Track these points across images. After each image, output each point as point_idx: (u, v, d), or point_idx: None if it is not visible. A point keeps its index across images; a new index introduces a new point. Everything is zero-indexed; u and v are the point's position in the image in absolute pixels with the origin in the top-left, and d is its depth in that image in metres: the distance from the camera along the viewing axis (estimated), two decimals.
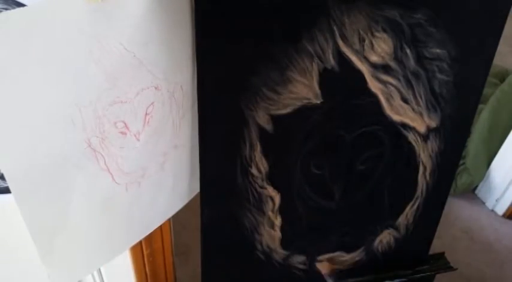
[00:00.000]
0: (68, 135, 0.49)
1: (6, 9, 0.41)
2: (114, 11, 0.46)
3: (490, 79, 1.76)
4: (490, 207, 1.72)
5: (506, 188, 1.63)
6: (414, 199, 0.80)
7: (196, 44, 0.56)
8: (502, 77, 1.81)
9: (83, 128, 0.50)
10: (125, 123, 0.54)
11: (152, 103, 0.56)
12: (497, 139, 1.57)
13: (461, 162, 1.66)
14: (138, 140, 0.57)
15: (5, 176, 0.47)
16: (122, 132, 0.55)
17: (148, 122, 0.57)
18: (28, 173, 0.49)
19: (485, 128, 1.59)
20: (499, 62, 1.67)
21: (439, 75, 0.67)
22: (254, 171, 0.67)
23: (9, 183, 0.48)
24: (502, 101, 1.65)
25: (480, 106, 1.60)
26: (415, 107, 0.68)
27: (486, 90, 1.60)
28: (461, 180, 1.66)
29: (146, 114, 0.56)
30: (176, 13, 0.54)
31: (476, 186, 1.77)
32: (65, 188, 0.53)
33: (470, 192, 1.78)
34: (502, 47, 0.72)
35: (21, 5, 0.42)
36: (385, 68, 0.63)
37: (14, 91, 0.43)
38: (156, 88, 0.55)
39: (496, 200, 1.69)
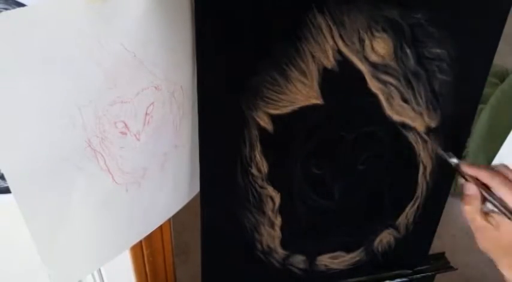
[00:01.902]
0: (68, 135, 0.50)
1: (6, 9, 0.41)
2: (114, 11, 0.46)
3: (490, 79, 1.76)
4: (491, 207, 1.72)
5: None
6: (414, 199, 0.80)
7: (196, 44, 0.56)
8: (502, 77, 1.81)
9: (83, 128, 0.50)
10: (125, 123, 0.55)
11: (152, 103, 0.56)
12: (497, 139, 1.57)
13: None
14: (139, 140, 0.57)
15: (5, 175, 0.47)
16: (122, 132, 0.55)
17: (148, 122, 0.57)
18: (28, 173, 0.49)
19: (485, 128, 1.59)
20: (499, 62, 1.67)
21: (439, 75, 0.67)
22: (254, 171, 0.67)
23: (9, 183, 0.48)
24: (502, 101, 1.65)
25: (480, 106, 1.60)
26: (415, 107, 0.68)
27: (486, 90, 1.59)
28: (462, 179, 1.66)
29: (146, 114, 0.56)
30: (176, 13, 0.54)
31: None
32: (65, 188, 0.53)
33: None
34: (502, 47, 0.72)
35: (21, 5, 0.42)
36: (385, 68, 0.63)
37: (14, 91, 0.43)
38: (156, 88, 0.55)
39: None
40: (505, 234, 0.56)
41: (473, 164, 0.62)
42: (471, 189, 0.60)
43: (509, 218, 0.55)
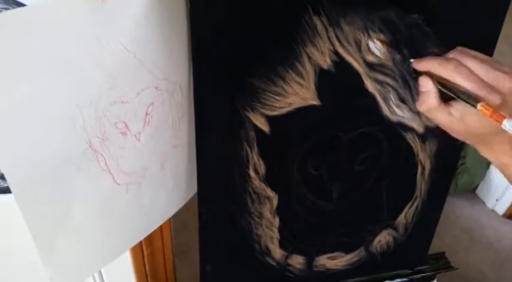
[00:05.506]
0: (69, 136, 0.50)
1: (6, 9, 0.42)
2: (114, 11, 0.46)
3: None
4: (490, 207, 1.72)
5: (507, 188, 1.63)
6: (413, 199, 0.80)
7: (192, 45, 0.56)
8: None
9: (84, 129, 0.50)
10: (126, 124, 0.55)
11: (152, 103, 0.56)
12: None
13: (461, 162, 1.66)
14: (139, 140, 0.57)
15: (6, 176, 0.47)
16: (122, 133, 0.55)
17: (148, 122, 0.57)
18: (29, 173, 0.49)
19: None
20: None
21: None
22: (251, 172, 0.67)
23: (10, 183, 0.48)
24: None
25: None
26: (413, 107, 0.68)
27: None
28: (462, 180, 1.66)
29: (146, 114, 0.57)
30: (176, 12, 0.54)
31: (477, 186, 1.77)
32: (66, 189, 0.53)
33: (471, 192, 1.78)
34: (502, 47, 0.72)
35: (21, 5, 0.42)
36: (382, 68, 0.63)
37: (14, 91, 0.44)
38: (156, 88, 0.56)
39: (496, 200, 1.69)
40: (471, 124, 0.52)
41: (424, 58, 0.57)
42: (426, 84, 0.54)
43: (471, 105, 0.49)
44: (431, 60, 0.55)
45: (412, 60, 0.57)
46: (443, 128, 0.56)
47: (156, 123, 0.58)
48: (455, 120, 0.53)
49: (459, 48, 0.55)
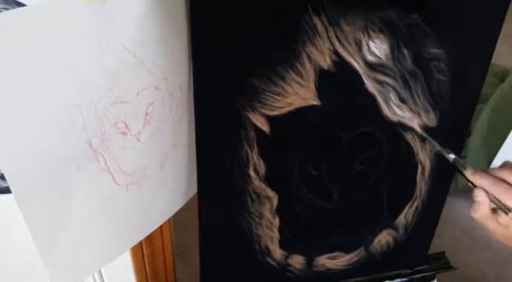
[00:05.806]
0: (69, 136, 0.50)
1: (6, 9, 0.42)
2: (114, 11, 0.46)
3: (490, 79, 1.76)
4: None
5: None
6: (413, 199, 0.80)
7: (192, 45, 0.56)
8: (502, 77, 1.81)
9: (84, 129, 0.50)
10: (126, 124, 0.55)
11: (152, 103, 0.56)
12: (497, 139, 1.57)
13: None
14: (139, 140, 0.57)
15: (6, 176, 0.47)
16: (122, 133, 0.55)
17: (148, 122, 0.57)
18: (29, 173, 0.49)
19: (485, 127, 1.59)
20: (499, 62, 1.66)
21: (436, 75, 0.67)
22: (251, 172, 0.67)
23: (10, 184, 0.48)
24: (502, 100, 1.64)
25: (480, 105, 1.60)
26: (413, 107, 0.68)
27: (486, 90, 1.59)
28: (462, 180, 1.65)
29: (146, 114, 0.57)
30: (176, 12, 0.54)
31: None
32: (66, 189, 0.53)
33: (471, 192, 1.78)
34: (502, 47, 0.72)
35: (21, 5, 0.42)
36: (382, 68, 0.63)
37: (14, 91, 0.44)
38: (156, 88, 0.56)
39: None
40: None
41: (477, 172, 0.64)
42: (479, 195, 0.62)
43: None
44: (485, 178, 0.62)
45: (467, 171, 0.65)
46: (488, 231, 0.65)
47: (156, 123, 0.58)
48: (502, 227, 0.61)
49: (509, 168, 0.63)
